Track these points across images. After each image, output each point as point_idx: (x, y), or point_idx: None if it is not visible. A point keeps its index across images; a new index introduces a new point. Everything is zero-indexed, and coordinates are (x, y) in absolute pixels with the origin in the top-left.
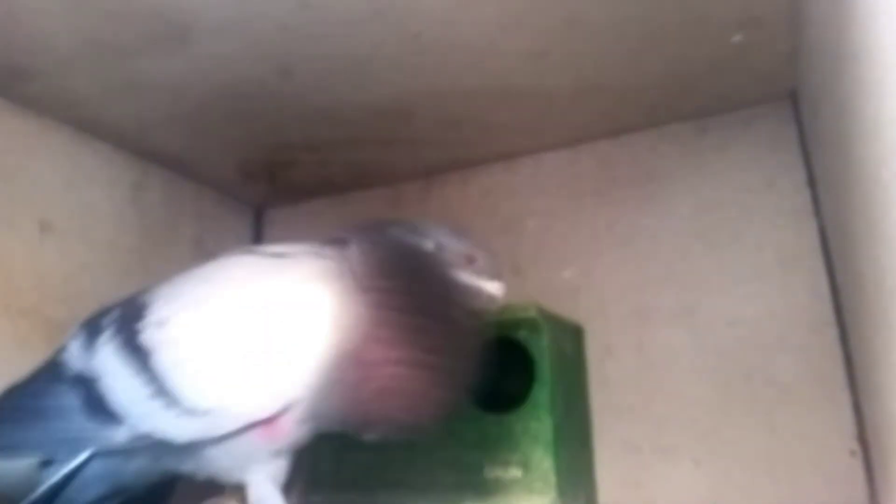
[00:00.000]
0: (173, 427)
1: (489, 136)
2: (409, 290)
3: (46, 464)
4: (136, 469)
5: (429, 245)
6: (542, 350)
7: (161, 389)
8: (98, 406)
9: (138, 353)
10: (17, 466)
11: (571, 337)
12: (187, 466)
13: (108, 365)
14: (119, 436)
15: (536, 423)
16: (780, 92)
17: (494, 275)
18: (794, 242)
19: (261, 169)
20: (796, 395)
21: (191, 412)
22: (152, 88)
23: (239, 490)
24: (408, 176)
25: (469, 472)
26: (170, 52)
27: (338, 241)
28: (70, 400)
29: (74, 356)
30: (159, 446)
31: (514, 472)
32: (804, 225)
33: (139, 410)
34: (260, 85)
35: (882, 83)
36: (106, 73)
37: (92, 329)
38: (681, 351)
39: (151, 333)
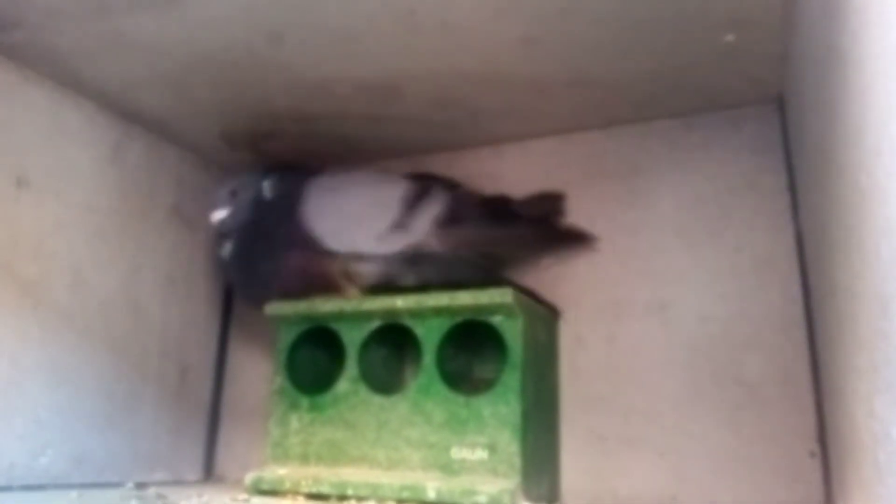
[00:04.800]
0: None
1: (477, 120)
2: None
3: None
4: None
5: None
6: (516, 336)
7: None
8: None
9: None
10: None
11: (546, 325)
12: None
13: None
14: None
15: (505, 406)
16: (767, 95)
17: None
18: (770, 244)
19: (244, 137)
20: (762, 394)
21: None
22: (139, 47)
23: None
24: (393, 155)
25: (436, 452)
26: (160, 11)
27: None
28: None
29: None
30: None
31: (481, 454)
32: (781, 228)
33: None
34: (249, 51)
35: (868, 90)
36: (92, 28)
37: None
38: (652, 345)
39: None
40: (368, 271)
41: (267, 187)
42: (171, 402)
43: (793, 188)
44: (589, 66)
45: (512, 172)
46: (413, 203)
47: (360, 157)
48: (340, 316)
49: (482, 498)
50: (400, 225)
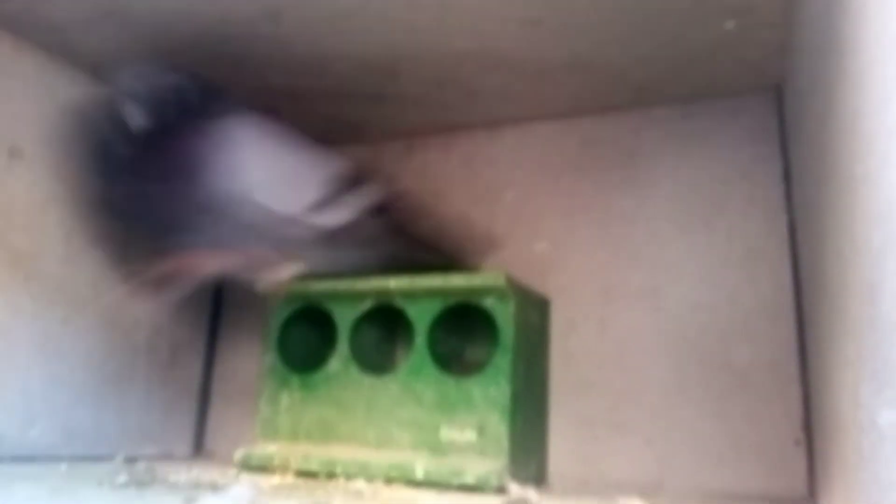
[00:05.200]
0: None
1: (475, 102)
2: None
3: None
4: None
5: None
6: (508, 319)
7: None
8: None
9: None
10: None
11: (538, 309)
12: None
13: None
14: None
15: (495, 388)
16: (766, 84)
17: None
18: (763, 234)
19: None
20: (749, 382)
21: None
22: (134, 20)
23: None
24: (389, 136)
25: (425, 432)
26: None
27: None
28: None
29: None
30: None
31: (469, 436)
32: (775, 218)
33: None
34: (246, 26)
35: (865, 76)
36: (88, 0)
37: None
38: (643, 331)
39: None
40: (292, 244)
41: (181, 96)
42: (162, 378)
43: (788, 178)
44: (589, 50)
45: (508, 155)
46: (348, 184)
47: (357, 137)
48: (333, 295)
49: (470, 478)
50: (333, 202)
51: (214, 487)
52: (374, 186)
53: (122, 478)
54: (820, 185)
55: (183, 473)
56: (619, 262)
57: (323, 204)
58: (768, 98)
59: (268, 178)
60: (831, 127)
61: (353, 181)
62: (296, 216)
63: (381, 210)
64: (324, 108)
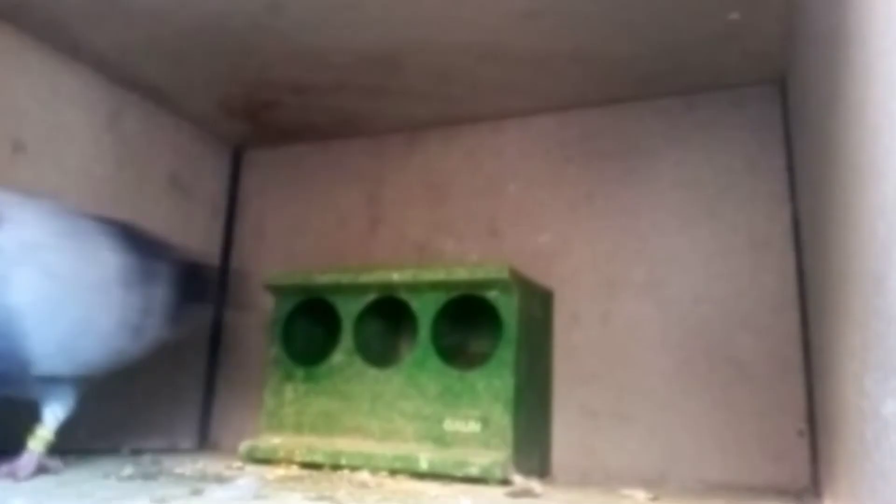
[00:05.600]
0: None
1: (477, 95)
2: None
3: None
4: None
5: None
6: (512, 311)
7: None
8: None
9: None
10: None
11: (541, 301)
12: None
13: None
14: None
15: (499, 380)
16: (770, 75)
17: None
18: (766, 225)
19: (242, 106)
20: (753, 373)
21: None
22: (137, 13)
23: None
24: (392, 128)
25: (429, 424)
26: None
27: None
28: None
29: None
30: None
31: (473, 427)
32: (778, 209)
33: None
34: (248, 19)
35: (870, 67)
36: None
37: None
38: (646, 323)
39: None
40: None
41: None
42: (168, 371)
43: (791, 169)
44: (591, 41)
45: (511, 148)
46: (137, 288)
47: (359, 130)
48: (337, 288)
49: (474, 469)
50: (136, 327)
51: (220, 479)
52: (160, 271)
53: (129, 470)
54: (824, 176)
55: (189, 465)
56: (623, 254)
57: (128, 332)
58: (772, 88)
59: (57, 332)
60: (836, 117)
61: (141, 280)
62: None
63: (178, 292)
64: (325, 101)
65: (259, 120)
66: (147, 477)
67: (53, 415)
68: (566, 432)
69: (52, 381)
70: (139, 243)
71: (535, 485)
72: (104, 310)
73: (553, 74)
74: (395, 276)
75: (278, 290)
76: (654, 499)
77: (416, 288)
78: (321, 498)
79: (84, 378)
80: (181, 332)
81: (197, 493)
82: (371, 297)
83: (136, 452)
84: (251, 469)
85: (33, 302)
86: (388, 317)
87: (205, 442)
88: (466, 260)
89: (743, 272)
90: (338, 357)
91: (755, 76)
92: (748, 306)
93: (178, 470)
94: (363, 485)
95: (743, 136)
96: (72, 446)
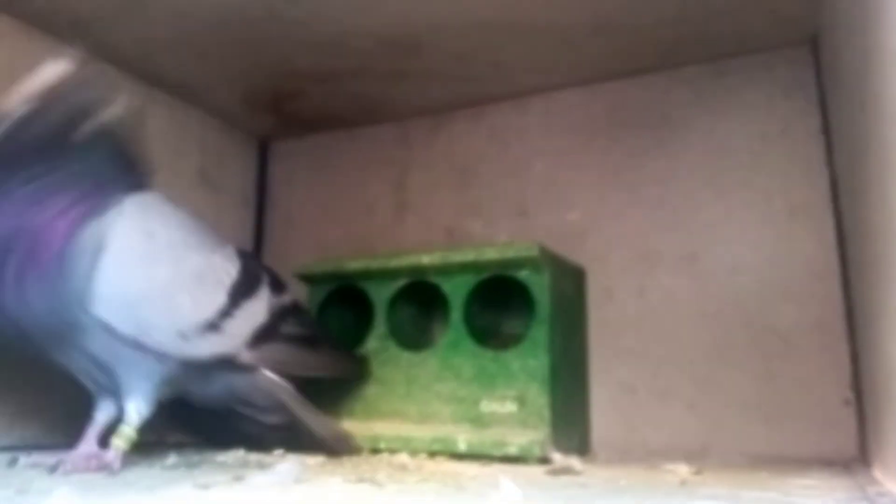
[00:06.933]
0: None
1: (500, 73)
2: None
3: None
4: None
5: None
6: (543, 289)
7: None
8: None
9: None
10: None
11: (573, 279)
12: None
13: None
14: None
15: (534, 360)
16: (800, 36)
17: None
18: (804, 191)
19: (266, 98)
20: (795, 343)
21: None
22: (158, 10)
23: None
24: (416, 112)
25: (465, 406)
26: None
27: None
28: None
29: None
30: None
31: (510, 407)
32: (816, 173)
33: None
34: (267, 9)
35: None
36: None
37: None
38: (682, 297)
39: None
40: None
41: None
42: None
43: (827, 132)
44: (613, 11)
45: (536, 125)
46: (239, 295)
47: (383, 116)
48: (367, 274)
49: (513, 449)
50: (214, 325)
51: (262, 466)
52: (265, 293)
53: (172, 459)
54: (862, 137)
55: (230, 454)
56: (655, 228)
57: (205, 327)
58: (803, 49)
59: (132, 293)
60: (872, 72)
61: (247, 288)
62: (160, 348)
63: (275, 323)
64: (347, 88)
65: (283, 111)
66: (190, 465)
67: (137, 411)
68: (605, 409)
69: (132, 367)
70: (257, 265)
71: (575, 462)
72: (187, 290)
73: (575, 48)
74: (425, 260)
75: (310, 279)
76: (697, 472)
77: (446, 270)
78: (361, 480)
79: (156, 358)
80: (263, 363)
81: (239, 479)
82: (402, 281)
83: (180, 444)
84: (292, 455)
85: (120, 249)
86: (420, 301)
87: None
88: (496, 241)
89: (781, 240)
90: (372, 343)
91: (785, 38)
92: (787, 275)
93: (221, 458)
94: (403, 467)
95: (775, 101)
96: None
